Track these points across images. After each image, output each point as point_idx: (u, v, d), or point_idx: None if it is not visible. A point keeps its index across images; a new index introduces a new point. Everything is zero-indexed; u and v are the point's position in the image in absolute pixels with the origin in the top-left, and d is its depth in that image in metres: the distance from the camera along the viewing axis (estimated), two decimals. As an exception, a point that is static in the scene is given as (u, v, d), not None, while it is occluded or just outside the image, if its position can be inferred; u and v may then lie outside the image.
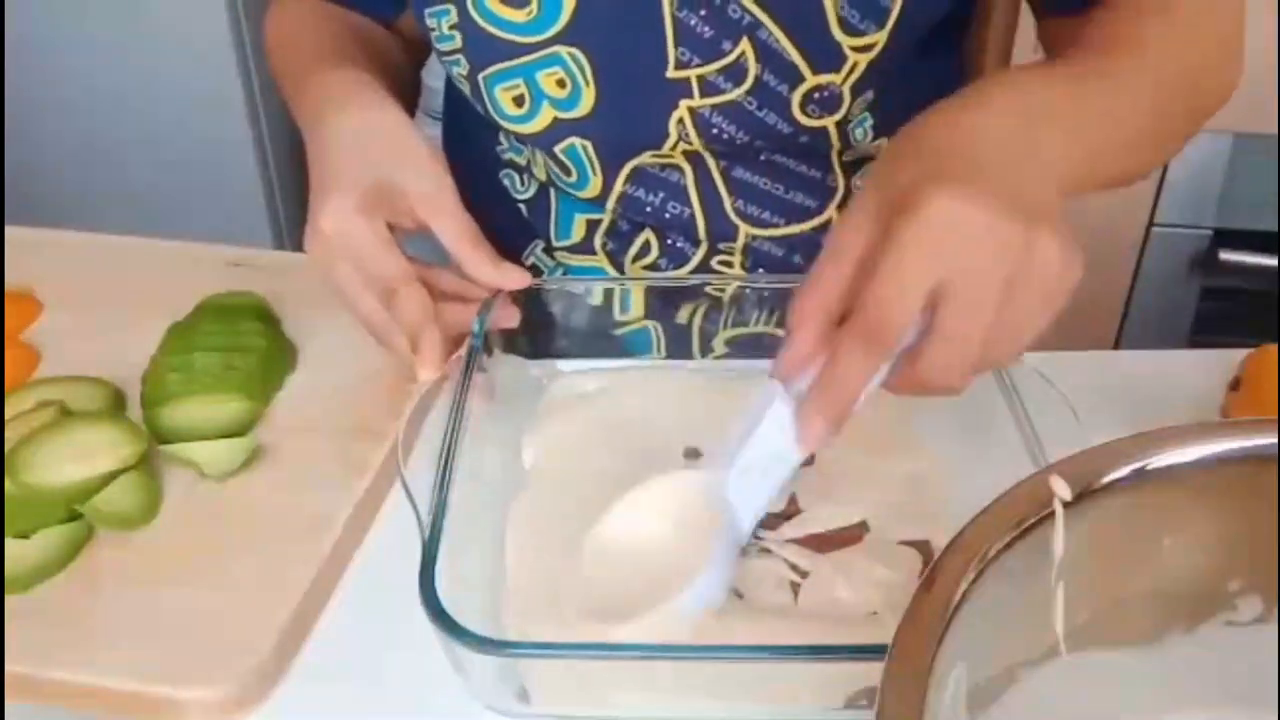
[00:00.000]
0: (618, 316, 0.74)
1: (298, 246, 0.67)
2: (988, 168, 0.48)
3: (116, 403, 0.69)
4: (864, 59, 0.70)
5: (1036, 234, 0.46)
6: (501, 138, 0.82)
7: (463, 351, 0.63)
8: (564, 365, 0.71)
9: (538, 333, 0.70)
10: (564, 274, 0.83)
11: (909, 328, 0.46)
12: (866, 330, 0.46)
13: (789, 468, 0.51)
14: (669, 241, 0.80)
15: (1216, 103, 0.67)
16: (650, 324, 0.75)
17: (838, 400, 0.47)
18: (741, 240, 0.78)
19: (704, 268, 0.80)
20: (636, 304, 0.74)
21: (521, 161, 0.82)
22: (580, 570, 0.54)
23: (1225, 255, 1.54)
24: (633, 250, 0.80)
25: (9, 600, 0.57)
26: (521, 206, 0.84)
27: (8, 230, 0.85)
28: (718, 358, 0.73)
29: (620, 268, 0.81)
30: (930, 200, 0.46)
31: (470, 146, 0.83)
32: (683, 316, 0.73)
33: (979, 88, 0.53)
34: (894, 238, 0.46)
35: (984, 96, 0.52)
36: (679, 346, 0.74)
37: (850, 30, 0.69)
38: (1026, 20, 0.82)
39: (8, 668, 0.54)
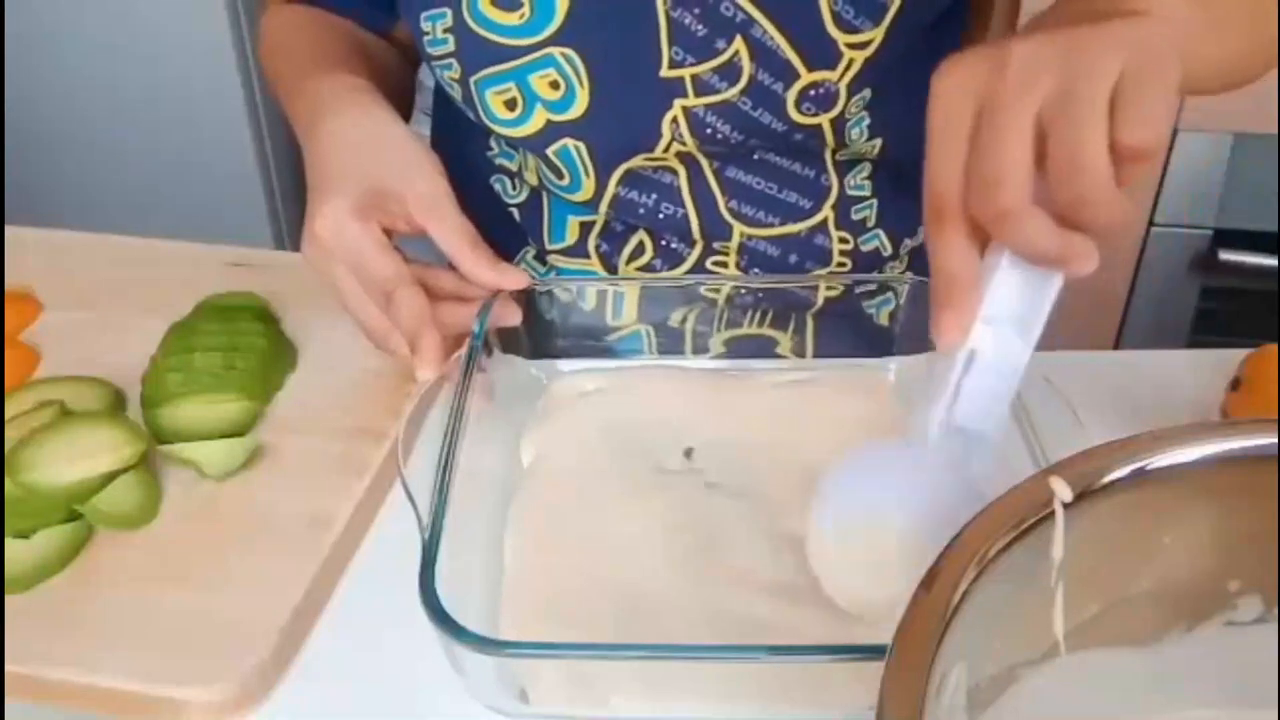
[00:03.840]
0: (610, 321, 0.74)
1: (297, 246, 0.68)
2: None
3: (116, 403, 0.69)
4: (860, 56, 0.69)
5: (1116, 22, 0.44)
6: (492, 142, 0.82)
7: (462, 352, 0.63)
8: (564, 365, 0.71)
9: (537, 333, 0.70)
10: (556, 277, 0.83)
11: (1021, 175, 0.43)
12: (930, 208, 0.45)
13: (1047, 300, 0.48)
14: (663, 242, 0.80)
15: None
16: (644, 327, 0.75)
17: (958, 288, 0.46)
18: (736, 240, 0.78)
19: (699, 268, 0.80)
20: (630, 306, 0.74)
21: (513, 166, 0.82)
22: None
23: (1225, 255, 1.55)
24: (626, 251, 0.80)
25: (9, 600, 0.57)
26: (513, 211, 0.84)
27: (8, 230, 0.85)
28: (714, 357, 0.73)
29: (614, 270, 0.81)
30: (1007, 49, 0.44)
31: (460, 153, 0.83)
32: (676, 319, 0.73)
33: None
34: (985, 104, 0.44)
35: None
36: (674, 350, 0.74)
37: (845, 27, 0.68)
38: (1029, 11, 0.81)
39: (8, 668, 0.54)
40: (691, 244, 0.79)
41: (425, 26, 0.73)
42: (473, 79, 0.73)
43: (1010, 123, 0.44)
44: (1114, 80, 0.43)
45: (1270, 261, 1.53)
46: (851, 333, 0.71)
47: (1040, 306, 0.48)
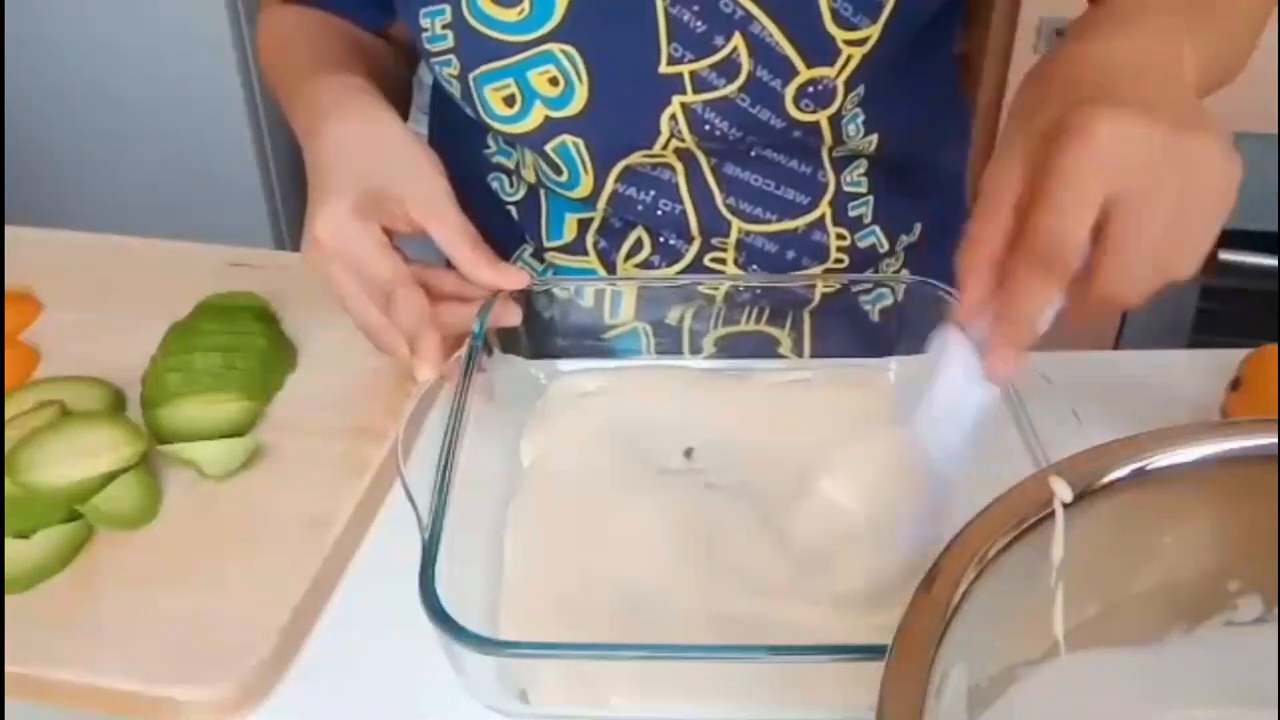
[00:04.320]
0: (608, 319, 0.74)
1: (297, 246, 0.67)
2: (1128, 87, 0.49)
3: (116, 403, 0.69)
4: (858, 52, 0.70)
5: (1195, 139, 0.47)
6: (490, 140, 0.82)
7: (462, 352, 0.63)
8: (564, 365, 0.71)
9: (537, 333, 0.70)
10: (554, 275, 0.84)
11: (1084, 246, 0.47)
12: (1041, 254, 0.47)
13: (978, 407, 0.53)
14: (661, 239, 0.80)
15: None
16: (642, 325, 0.75)
17: (1020, 326, 0.48)
18: (734, 236, 0.78)
19: (697, 264, 0.80)
20: (628, 305, 0.74)
21: (510, 164, 0.82)
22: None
23: (1225, 255, 1.54)
24: (625, 248, 0.80)
25: (9, 600, 0.57)
26: (511, 209, 0.84)
27: (8, 230, 0.85)
28: (711, 356, 0.73)
29: (612, 267, 0.81)
30: (1092, 120, 0.46)
31: (457, 151, 0.83)
32: (674, 317, 0.73)
33: (1085, 26, 0.53)
34: (1058, 162, 0.46)
35: (1099, 30, 0.52)
36: (672, 347, 0.74)
37: (843, 23, 0.69)
38: (1026, 20, 0.81)
39: (8, 668, 0.54)
40: (689, 240, 0.79)
41: (424, 23, 0.73)
42: (471, 75, 0.73)
43: (1086, 197, 0.46)
44: (1177, 200, 0.47)
45: (1270, 261, 1.53)
46: (849, 329, 0.71)
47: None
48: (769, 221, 0.78)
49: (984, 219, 0.49)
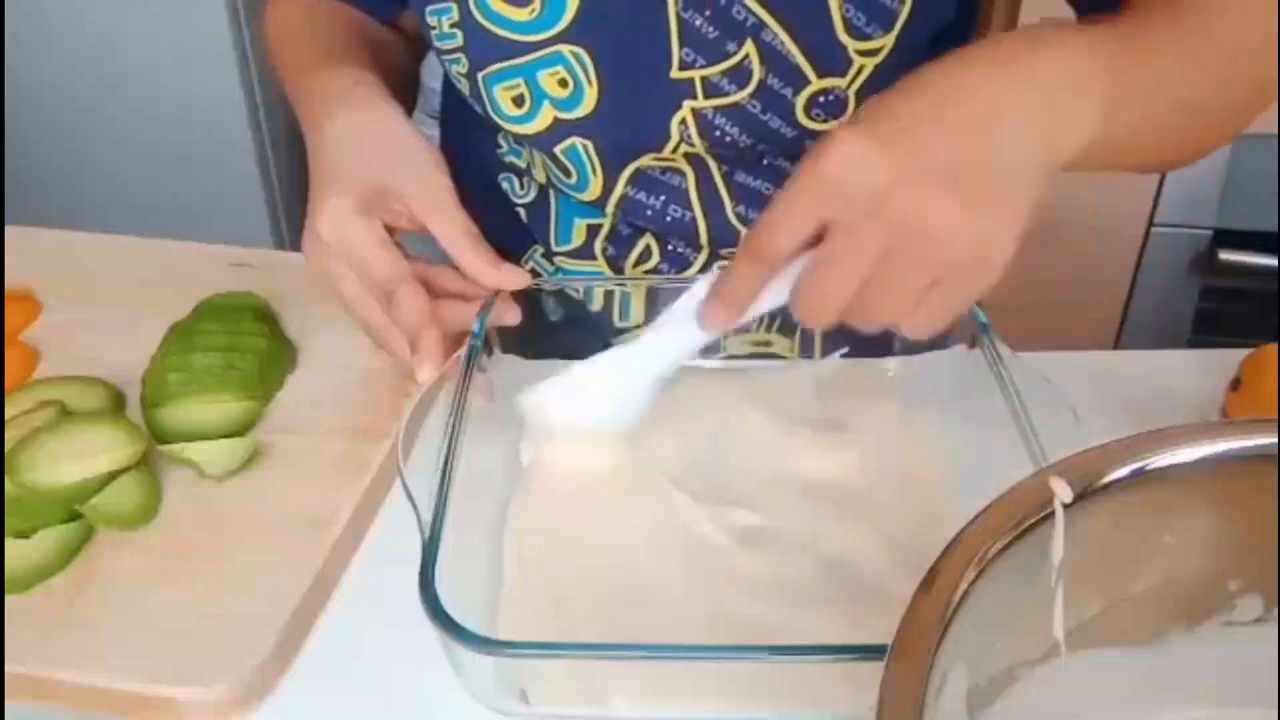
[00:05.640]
0: (618, 322, 0.74)
1: (297, 246, 0.68)
2: (926, 124, 0.47)
3: (116, 403, 0.69)
4: (870, 63, 0.69)
5: (940, 201, 0.46)
6: (501, 140, 0.82)
7: (463, 352, 0.63)
8: (564, 365, 0.71)
9: (538, 333, 0.70)
10: (564, 276, 0.83)
11: (784, 249, 0.50)
12: (755, 247, 0.50)
13: (693, 339, 0.57)
14: (670, 247, 0.79)
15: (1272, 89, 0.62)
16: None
17: (730, 302, 0.53)
18: None
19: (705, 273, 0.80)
20: (637, 307, 0.74)
21: (521, 164, 0.82)
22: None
23: (1225, 255, 1.55)
24: (633, 255, 0.80)
25: (9, 600, 0.57)
26: (521, 211, 0.83)
27: (8, 230, 0.85)
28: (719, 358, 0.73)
29: (620, 274, 0.81)
30: (834, 140, 0.47)
31: (469, 149, 0.83)
32: None
33: (1003, 43, 0.50)
34: (797, 172, 0.48)
35: (987, 55, 0.50)
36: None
37: (856, 34, 0.68)
38: (1027, 21, 0.81)
39: (8, 668, 0.54)
40: (698, 249, 0.79)
41: (431, 20, 0.73)
42: (480, 74, 0.73)
43: (802, 211, 0.49)
44: (939, 273, 0.48)
45: (1270, 261, 1.53)
46: (849, 330, 0.71)
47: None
48: None
49: (772, 212, 0.51)
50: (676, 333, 0.57)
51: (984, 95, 0.48)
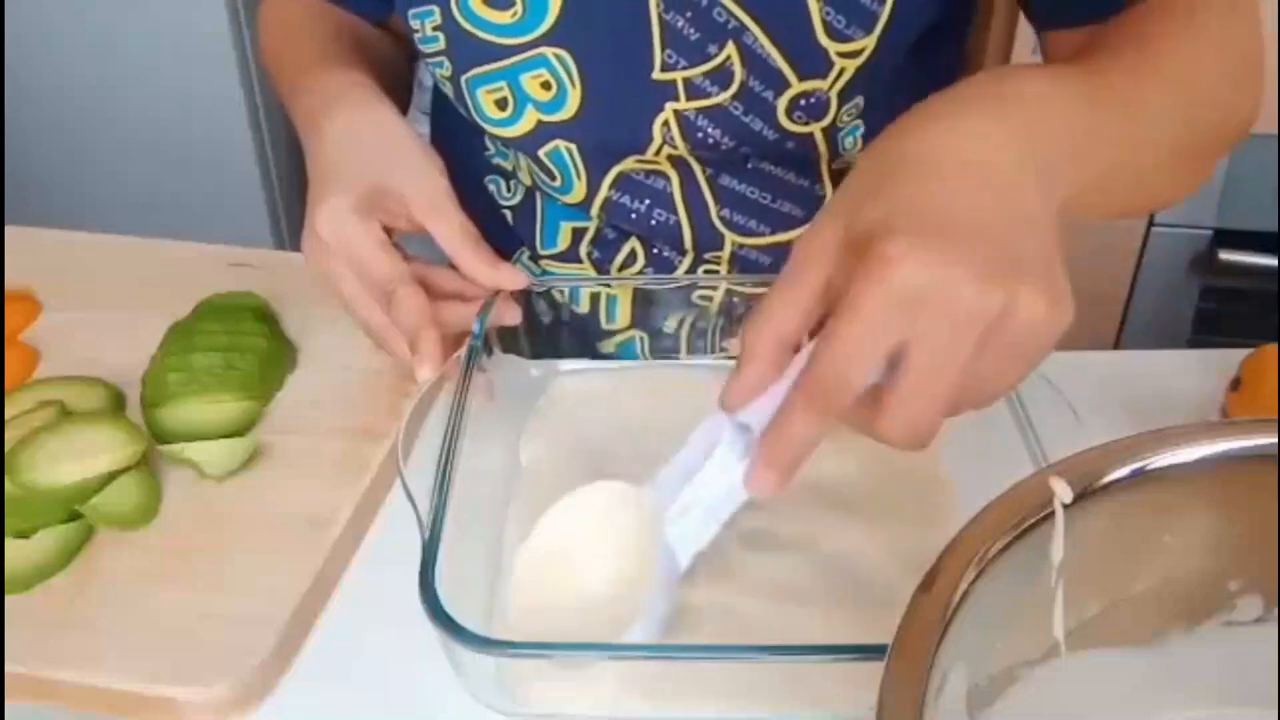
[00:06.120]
0: (605, 325, 0.74)
1: (297, 246, 0.68)
2: (965, 210, 0.44)
3: (116, 403, 0.69)
4: (851, 65, 0.69)
5: (1017, 291, 0.42)
6: (487, 141, 0.82)
7: (462, 352, 0.63)
8: (564, 365, 0.71)
9: (538, 333, 0.70)
10: (551, 276, 0.83)
11: (863, 387, 0.43)
12: (819, 388, 0.43)
13: (731, 509, 0.50)
14: (655, 250, 0.79)
15: (1239, 125, 0.62)
16: (638, 334, 0.75)
17: (788, 455, 0.45)
18: (728, 250, 0.78)
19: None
20: (624, 309, 0.74)
21: (507, 167, 0.82)
22: (512, 579, 0.53)
23: (1225, 255, 1.54)
24: (619, 259, 0.80)
25: (9, 600, 0.57)
26: (507, 213, 0.83)
27: (8, 230, 0.85)
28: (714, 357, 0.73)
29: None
30: (894, 262, 0.42)
31: (456, 150, 0.83)
32: (671, 325, 0.73)
33: (966, 94, 0.48)
34: (854, 297, 0.42)
35: (971, 109, 0.47)
36: (668, 356, 0.74)
37: (836, 36, 0.68)
38: (1026, 23, 0.81)
39: (8, 668, 0.54)
40: (683, 252, 0.79)
41: (414, 24, 0.73)
42: (464, 77, 0.73)
43: (875, 343, 0.42)
44: (975, 351, 0.42)
45: (1270, 261, 1.53)
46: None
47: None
48: (763, 234, 0.78)
49: (780, 295, 0.46)
50: (704, 521, 0.51)
51: (976, 155, 0.45)
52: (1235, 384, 0.67)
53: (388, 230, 0.66)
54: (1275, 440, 0.43)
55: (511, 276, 0.67)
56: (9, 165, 1.86)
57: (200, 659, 0.54)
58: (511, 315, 0.67)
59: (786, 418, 0.45)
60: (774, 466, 0.45)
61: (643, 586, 0.52)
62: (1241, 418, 0.65)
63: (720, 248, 0.78)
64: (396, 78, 0.83)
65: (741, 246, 0.78)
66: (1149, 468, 0.43)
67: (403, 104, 0.85)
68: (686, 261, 0.79)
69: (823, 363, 0.43)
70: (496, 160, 0.83)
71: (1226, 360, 0.69)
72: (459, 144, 0.83)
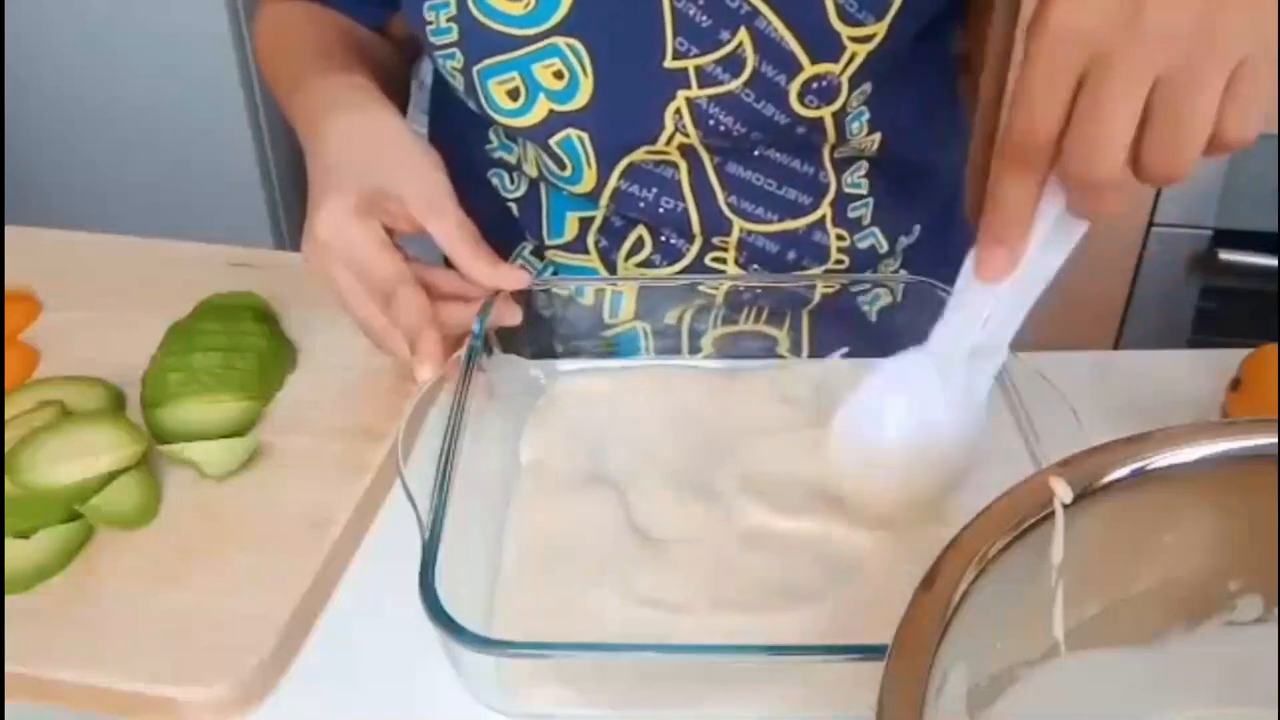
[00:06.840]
0: (608, 318, 0.74)
1: (297, 246, 0.68)
2: None
3: (116, 403, 0.69)
4: (863, 50, 0.70)
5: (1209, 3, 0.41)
6: (491, 135, 0.82)
7: (462, 352, 0.63)
8: (564, 365, 0.71)
9: (537, 333, 0.70)
10: (553, 274, 0.84)
11: (1054, 129, 0.44)
12: (1012, 144, 0.44)
13: (981, 306, 0.51)
14: (662, 238, 0.80)
15: None
16: (641, 324, 0.75)
17: (1008, 224, 0.46)
18: (735, 235, 0.78)
19: (698, 264, 0.80)
20: (628, 304, 0.74)
21: (512, 160, 0.82)
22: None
23: (1225, 255, 1.54)
24: (626, 247, 0.80)
25: (9, 600, 0.57)
26: (511, 205, 0.84)
27: (8, 230, 0.85)
28: (709, 356, 0.73)
29: (613, 266, 0.81)
30: (1052, 2, 0.43)
31: (457, 148, 0.83)
32: (673, 316, 0.73)
33: None
34: (1026, 53, 0.43)
35: None
36: (671, 347, 0.74)
37: (849, 20, 0.69)
38: (1027, 20, 0.81)
39: (8, 668, 0.54)
40: (690, 239, 0.79)
41: (429, 16, 0.73)
42: (475, 69, 0.73)
43: (1127, 91, 0.43)
44: (1235, 66, 0.42)
45: (1270, 261, 1.53)
46: (847, 329, 0.71)
47: (1073, 233, 0.49)
48: (770, 221, 0.78)
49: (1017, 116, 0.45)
50: (960, 316, 0.52)
51: None
52: (1235, 384, 0.67)
53: (388, 231, 0.66)
54: (1275, 440, 0.43)
55: (511, 277, 0.67)
56: (9, 165, 1.86)
57: (200, 659, 0.54)
58: (511, 315, 0.67)
59: (996, 188, 0.45)
60: (1000, 240, 0.46)
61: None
62: (1241, 418, 0.65)
63: (728, 234, 0.78)
64: (394, 80, 0.83)
65: (749, 233, 0.78)
66: (1149, 468, 0.43)
67: (400, 106, 0.85)
68: (694, 248, 0.80)
69: (1011, 120, 0.44)
70: (500, 154, 0.83)
71: (1226, 360, 0.69)
72: (460, 140, 0.83)
